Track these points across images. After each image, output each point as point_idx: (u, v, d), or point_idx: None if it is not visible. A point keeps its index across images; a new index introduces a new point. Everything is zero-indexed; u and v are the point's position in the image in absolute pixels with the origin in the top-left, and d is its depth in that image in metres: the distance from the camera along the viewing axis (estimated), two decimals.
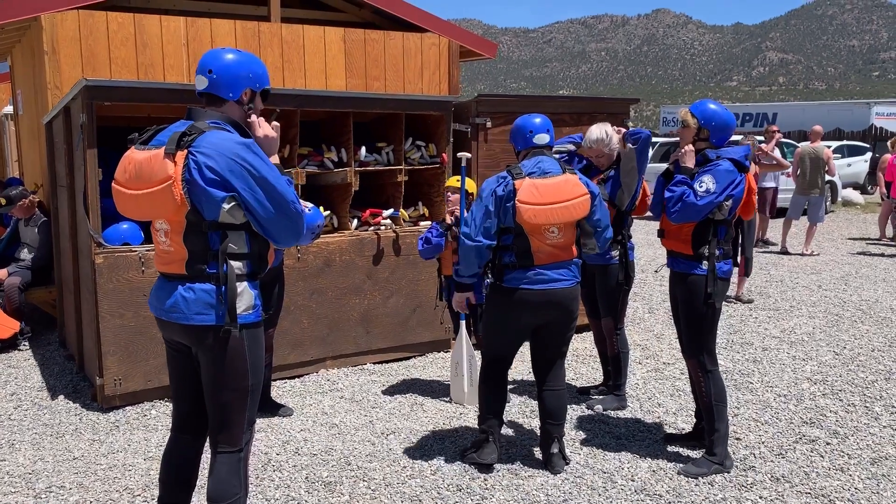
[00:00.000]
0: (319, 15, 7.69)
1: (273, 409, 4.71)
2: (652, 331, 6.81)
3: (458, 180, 4.89)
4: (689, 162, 3.88)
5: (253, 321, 2.69)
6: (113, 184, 2.73)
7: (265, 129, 2.85)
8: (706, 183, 3.74)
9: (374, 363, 5.73)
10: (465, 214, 4.01)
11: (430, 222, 5.90)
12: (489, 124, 5.88)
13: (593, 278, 4.81)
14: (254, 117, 2.81)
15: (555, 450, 3.95)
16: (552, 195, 3.72)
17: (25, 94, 7.73)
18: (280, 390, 5.14)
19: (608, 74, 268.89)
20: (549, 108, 6.22)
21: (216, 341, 2.62)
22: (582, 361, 5.87)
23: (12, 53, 8.39)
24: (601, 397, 4.92)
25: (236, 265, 2.64)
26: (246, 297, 2.66)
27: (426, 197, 6.08)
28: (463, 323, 4.81)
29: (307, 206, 3.08)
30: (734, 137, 5.02)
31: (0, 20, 6.19)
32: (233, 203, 2.56)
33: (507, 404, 4.83)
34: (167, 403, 4.83)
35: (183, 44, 6.38)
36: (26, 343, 6.30)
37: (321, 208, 5.49)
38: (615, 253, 4.67)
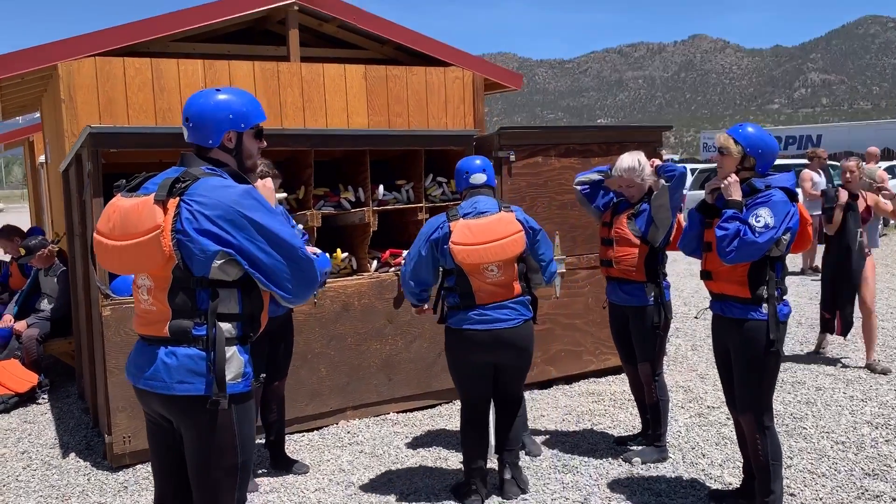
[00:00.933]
0: (341, 53, 7.57)
1: (287, 465, 4.44)
2: (695, 370, 6.39)
3: None
4: (737, 194, 3.51)
5: (241, 391, 2.42)
6: (94, 234, 2.51)
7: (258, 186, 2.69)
8: (763, 217, 3.36)
9: (396, 412, 5.43)
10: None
11: None
12: (513, 157, 5.61)
13: (627, 321, 4.47)
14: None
15: (507, 476, 3.98)
16: (484, 234, 3.77)
17: (52, 143, 7.74)
18: (297, 445, 4.87)
19: (646, 102, 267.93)
20: (576, 138, 5.96)
21: (202, 414, 2.35)
22: (620, 406, 5.49)
23: (41, 103, 8.47)
24: (639, 448, 4.54)
25: (226, 327, 2.38)
26: (235, 363, 2.40)
27: None
28: None
29: (315, 251, 2.85)
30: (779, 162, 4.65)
31: (20, 70, 6.21)
32: (226, 258, 2.33)
33: (538, 458, 4.51)
34: None
35: (201, 87, 6.28)
36: (45, 396, 6.16)
37: (338, 250, 5.29)
38: (650, 293, 4.33)
